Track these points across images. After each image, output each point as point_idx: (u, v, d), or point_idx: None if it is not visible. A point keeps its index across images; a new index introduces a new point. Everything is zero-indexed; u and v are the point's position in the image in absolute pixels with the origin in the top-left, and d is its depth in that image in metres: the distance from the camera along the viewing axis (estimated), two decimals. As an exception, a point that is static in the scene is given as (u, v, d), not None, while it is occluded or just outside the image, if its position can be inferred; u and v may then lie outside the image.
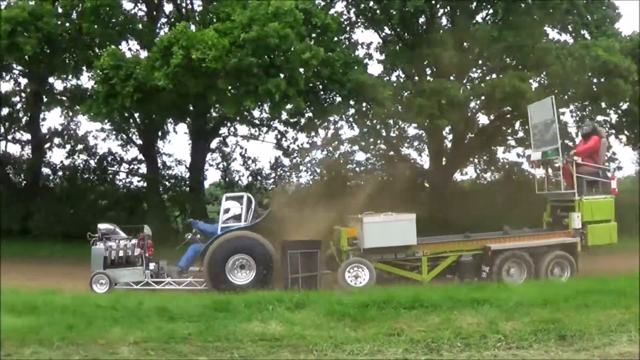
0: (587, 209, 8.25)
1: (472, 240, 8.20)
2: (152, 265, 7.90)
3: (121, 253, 7.82)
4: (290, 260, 7.41)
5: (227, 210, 8.11)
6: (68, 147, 15.37)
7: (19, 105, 15.31)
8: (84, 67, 12.28)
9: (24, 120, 15.40)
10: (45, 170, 15.29)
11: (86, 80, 13.18)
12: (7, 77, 14.19)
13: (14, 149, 15.79)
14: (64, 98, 14.46)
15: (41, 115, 15.21)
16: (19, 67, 13.39)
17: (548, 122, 8.84)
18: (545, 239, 8.38)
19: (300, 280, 7.38)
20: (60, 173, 15.29)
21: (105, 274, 7.52)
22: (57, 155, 18.75)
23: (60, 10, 10.82)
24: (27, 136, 15.52)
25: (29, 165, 14.99)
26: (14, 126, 15.41)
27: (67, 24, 10.97)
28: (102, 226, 8.34)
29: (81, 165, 15.31)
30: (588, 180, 8.49)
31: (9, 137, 15.52)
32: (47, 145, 15.42)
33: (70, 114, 15.26)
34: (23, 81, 14.69)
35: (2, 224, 11.85)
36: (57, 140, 15.49)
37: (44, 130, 15.42)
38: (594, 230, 8.25)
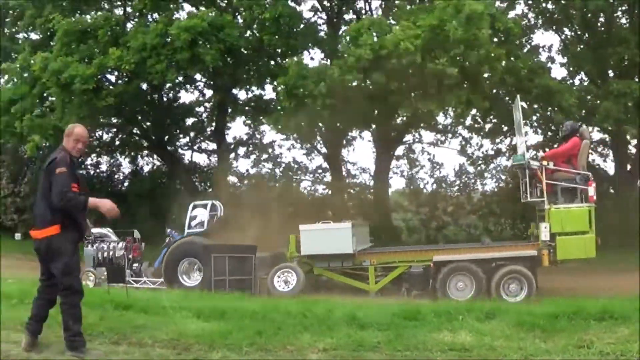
0: (556, 219, 8.68)
1: (419, 251, 8.96)
2: (134, 266, 10.31)
3: (106, 254, 10.26)
4: (214, 264, 8.84)
5: (193, 218, 10.41)
6: (253, 156, 18.83)
7: (204, 116, 19.33)
8: (268, 78, 14.65)
9: (209, 130, 19.26)
10: (231, 179, 18.93)
11: (270, 91, 15.83)
12: (192, 88, 18.11)
13: (200, 158, 20.31)
14: (248, 108, 17.53)
15: (226, 125, 18.73)
16: (204, 79, 16.67)
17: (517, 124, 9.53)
18: (496, 252, 9.05)
19: (227, 282, 8.75)
20: (246, 182, 18.75)
21: (92, 271, 9.93)
22: (242, 164, 23.71)
23: (240, 21, 13.15)
24: (212, 146, 19.45)
25: (215, 174, 18.58)
26: (200, 136, 19.53)
27: (249, 35, 13.24)
28: (95, 230, 10.86)
29: (266, 174, 18.59)
30: (564, 188, 8.90)
31: (195, 147, 19.90)
32: (232, 154, 19.07)
33: (255, 123, 18.42)
34: (208, 92, 18.46)
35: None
36: (242, 150, 19.15)
37: (229, 139, 19.10)
38: (564, 242, 8.61)
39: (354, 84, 11.56)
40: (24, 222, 18.83)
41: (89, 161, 20.36)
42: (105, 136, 19.42)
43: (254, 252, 9.40)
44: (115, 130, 19.15)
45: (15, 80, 16.70)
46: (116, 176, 20.82)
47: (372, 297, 9.14)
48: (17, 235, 18.95)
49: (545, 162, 9.14)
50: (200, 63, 12.93)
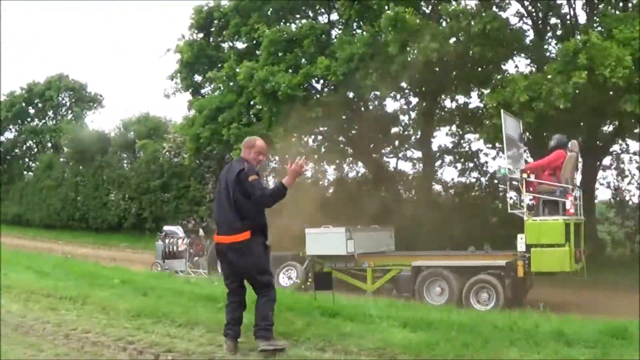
0: (531, 230, 10.39)
1: (407, 256, 10.71)
2: (195, 259, 15.14)
3: (172, 248, 15.62)
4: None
5: None
6: (459, 165, 20.89)
7: (409, 124, 21.89)
8: (474, 86, 16.59)
9: (414, 138, 21.85)
10: (436, 187, 21.48)
11: (475, 99, 17.90)
12: (399, 97, 20.48)
13: (405, 166, 23.07)
14: (454, 116, 19.78)
15: (431, 133, 20.93)
16: (409, 87, 18.78)
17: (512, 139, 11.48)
18: (468, 260, 11.09)
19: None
20: (451, 191, 21.12)
21: (159, 262, 15.38)
22: (447, 173, 25.87)
23: (446, 31, 14.72)
24: (417, 154, 22.06)
25: (420, 182, 21.13)
26: (405, 144, 22.20)
27: (456, 45, 14.90)
28: (166, 227, 16.94)
29: (472, 183, 20.79)
30: (546, 200, 10.61)
31: (400, 155, 22.55)
32: (438, 162, 21.31)
33: (460, 132, 20.48)
34: (413, 100, 20.81)
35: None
36: (447, 158, 21.22)
37: (434, 147, 21.33)
38: (538, 254, 10.25)
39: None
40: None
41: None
42: (310, 143, 22.69)
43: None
44: (321, 137, 22.16)
45: (222, 88, 20.50)
46: (320, 182, 24.11)
47: (368, 295, 11.45)
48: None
49: (525, 175, 10.87)
50: (407, 72, 15.07)
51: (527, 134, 15.28)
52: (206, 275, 13.80)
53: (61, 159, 34.27)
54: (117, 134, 31.86)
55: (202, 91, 23.94)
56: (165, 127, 29.96)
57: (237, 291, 5.81)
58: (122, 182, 29.02)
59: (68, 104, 39.90)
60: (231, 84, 19.65)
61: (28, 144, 40.03)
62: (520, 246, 10.64)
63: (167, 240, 15.91)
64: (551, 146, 11.41)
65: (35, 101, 39.05)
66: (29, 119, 39.49)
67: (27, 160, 40.21)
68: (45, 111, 39.11)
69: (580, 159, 12.85)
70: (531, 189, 10.96)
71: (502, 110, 11.97)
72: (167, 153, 27.20)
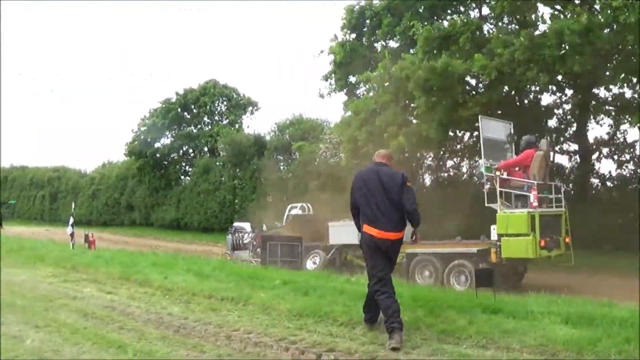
0: (501, 222, 13.13)
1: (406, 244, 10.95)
2: (257, 250, 18.10)
3: (239, 241, 19.89)
4: (269, 249, 16.48)
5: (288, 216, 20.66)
6: (616, 157, 22.20)
7: (565, 116, 23.49)
8: (630, 76, 17.66)
9: (570, 131, 23.39)
10: (594, 180, 22.93)
11: (630, 90, 19.22)
12: (555, 89, 22.09)
13: (562, 160, 24.30)
14: (610, 108, 20.98)
15: (587, 126, 22.58)
16: (565, 79, 20.34)
17: (498, 141, 14.78)
18: (449, 248, 14.20)
19: (278, 262, 15.88)
20: (609, 183, 22.48)
21: (228, 253, 19.75)
22: (605, 165, 27.16)
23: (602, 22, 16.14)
24: (574, 147, 23.50)
25: (577, 175, 22.66)
26: (561, 137, 23.65)
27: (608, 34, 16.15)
28: (236, 223, 22.27)
29: (630, 175, 21.89)
30: (516, 194, 13.51)
31: (557, 148, 23.76)
32: (595, 155, 22.74)
33: (616, 123, 21.83)
34: (568, 92, 22.39)
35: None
36: (605, 150, 22.66)
37: (591, 140, 22.92)
38: (507, 243, 13.00)
39: None
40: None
41: (449, 163, 26.71)
42: (466, 139, 24.75)
43: (300, 241, 16.86)
44: (476, 133, 23.02)
45: (377, 88, 21.67)
46: (475, 179, 25.87)
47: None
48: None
49: (498, 173, 13.67)
50: (568, 68, 16.47)
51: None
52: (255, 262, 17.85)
53: (217, 163, 37.12)
54: (272, 137, 34.43)
55: (357, 92, 25.13)
56: (321, 128, 32.75)
57: (391, 281, 6.88)
58: (280, 184, 32.08)
59: (223, 109, 44.64)
60: (386, 84, 20.64)
61: (184, 149, 45.33)
62: (493, 236, 13.38)
63: (235, 234, 20.44)
64: (521, 146, 14.15)
65: (191, 107, 44.42)
66: (184, 125, 44.94)
67: (183, 165, 45.70)
68: (201, 117, 44.22)
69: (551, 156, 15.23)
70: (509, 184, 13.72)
71: (479, 116, 15.06)
72: (324, 154, 29.50)
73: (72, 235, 18.67)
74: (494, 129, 15.04)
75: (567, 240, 13.81)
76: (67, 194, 52.34)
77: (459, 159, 26.49)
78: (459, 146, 25.47)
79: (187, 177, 43.98)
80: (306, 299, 8.64)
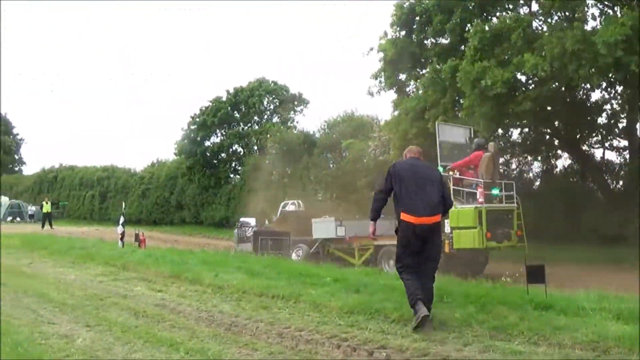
0: (453, 216, 15.02)
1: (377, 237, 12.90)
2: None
3: (244, 235, 22.03)
4: (260, 242, 19.63)
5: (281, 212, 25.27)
6: None
7: (614, 113, 23.78)
8: None
9: (619, 126, 23.80)
10: None
11: None
12: (605, 86, 22.24)
13: (611, 156, 25.03)
14: None
15: (637, 121, 22.73)
16: (614, 76, 20.11)
17: (457, 145, 17.27)
18: None
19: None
20: None
21: (235, 246, 22.22)
22: None
23: None
24: (623, 142, 24.01)
25: (627, 172, 22.89)
26: (610, 133, 24.20)
27: None
28: (242, 219, 25.50)
29: None
30: (467, 192, 15.51)
31: (607, 145, 24.49)
32: None
33: None
34: (618, 88, 22.50)
35: (601, 230, 20.22)
36: None
37: None
38: (458, 235, 15.04)
39: None
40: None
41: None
42: (515, 136, 25.42)
43: (288, 236, 20.26)
44: (527, 130, 24.51)
45: (426, 86, 21.58)
46: (525, 175, 26.60)
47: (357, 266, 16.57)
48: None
49: (451, 172, 15.70)
50: (624, 69, 16.71)
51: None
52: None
53: (267, 161, 37.48)
54: (322, 134, 34.40)
55: (407, 89, 25.11)
56: (371, 125, 32.34)
57: (421, 266, 7.51)
58: (329, 182, 32.95)
59: (272, 107, 45.60)
60: (436, 82, 20.60)
61: (234, 148, 46.45)
62: (447, 228, 15.10)
63: (241, 229, 22.83)
64: (472, 148, 16.05)
65: (240, 106, 45.67)
66: (234, 124, 46.15)
67: (233, 163, 46.51)
68: (251, 115, 45.47)
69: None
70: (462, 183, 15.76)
71: (437, 123, 18.06)
72: (373, 151, 29.90)
73: (122, 234, 19.29)
74: (452, 133, 17.72)
75: (518, 233, 15.67)
76: (117, 193, 53.55)
77: (508, 155, 26.77)
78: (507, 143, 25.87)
79: (237, 176, 44.81)
80: (357, 296, 8.76)
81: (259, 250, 19.16)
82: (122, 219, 19.85)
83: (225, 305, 9.21)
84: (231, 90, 45.61)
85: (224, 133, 45.42)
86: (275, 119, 44.73)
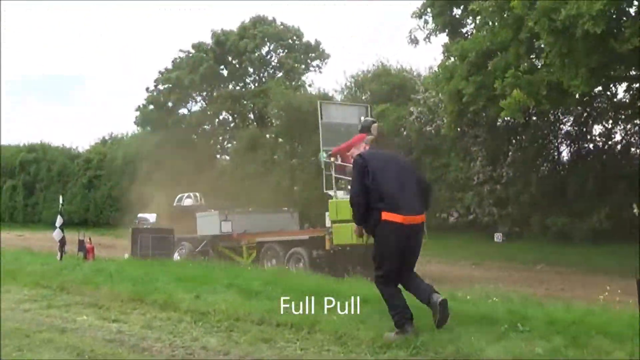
0: (332, 209, 17.30)
1: (259, 234, 20.28)
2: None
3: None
4: (140, 242, 21.37)
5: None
6: None
7: None
8: None
9: None
10: None
11: None
12: None
13: None
14: None
15: None
16: None
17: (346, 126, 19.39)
18: (287, 236, 20.53)
19: (150, 254, 20.44)
20: None
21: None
22: None
23: None
24: None
25: None
26: None
27: None
28: (140, 214, 31.06)
29: None
30: (348, 180, 16.64)
31: None
32: None
33: None
34: None
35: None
36: None
37: None
38: (337, 229, 17.12)
39: None
40: (507, 217, 27.55)
41: (596, 131, 27.44)
42: (620, 95, 25.21)
43: (172, 233, 22.36)
44: (637, 86, 22.49)
45: (491, 24, 21.27)
46: (633, 149, 26.82)
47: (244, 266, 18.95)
48: (497, 236, 27.66)
49: (332, 159, 17.66)
50: None
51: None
52: None
53: (268, 136, 38.22)
54: (345, 97, 34.02)
55: (464, 30, 24.88)
56: (412, 84, 31.77)
57: (395, 279, 8.41)
58: None
59: (276, 59, 45.77)
60: (505, 15, 20.28)
61: (221, 117, 47.26)
62: (327, 222, 17.87)
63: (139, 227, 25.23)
64: (359, 129, 17.32)
65: (229, 57, 45.70)
66: (222, 84, 46.41)
67: (220, 139, 47.16)
68: (244, 70, 45.81)
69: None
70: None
71: (318, 101, 20.93)
72: (416, 121, 28.96)
73: (61, 241, 18.54)
74: (341, 113, 20.54)
75: None
76: (50, 183, 52.81)
77: (611, 123, 26.57)
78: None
79: (226, 157, 44.65)
80: (392, 323, 8.34)
81: (139, 251, 21.20)
82: (59, 220, 19.08)
83: (211, 338, 8.93)
84: (219, 32, 45.02)
85: (206, 96, 45.05)
86: (280, 76, 43.90)
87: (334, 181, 17.80)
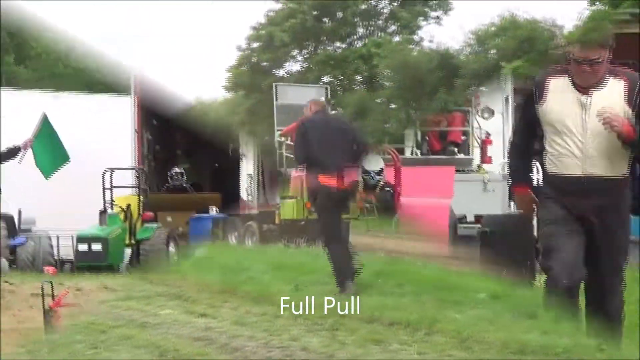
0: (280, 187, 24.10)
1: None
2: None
3: None
4: None
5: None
6: None
7: None
8: None
9: None
10: None
11: None
12: None
13: None
14: None
15: None
16: None
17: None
18: (242, 210, 25.92)
19: None
20: None
21: None
22: None
23: None
24: None
25: None
26: None
27: None
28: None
29: None
30: None
31: None
32: None
33: None
34: None
35: None
36: None
37: None
38: (283, 205, 22.07)
39: None
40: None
41: None
42: None
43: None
44: None
45: None
46: None
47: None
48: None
49: (282, 139, 22.48)
50: None
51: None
52: None
53: (379, 100, 37.77)
54: (469, 55, 33.83)
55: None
56: (551, 36, 30.89)
57: (341, 237, 11.19)
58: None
59: (386, 10, 44.84)
60: None
61: (324, 80, 46.06)
62: (277, 199, 22.77)
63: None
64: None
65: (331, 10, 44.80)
66: (322, 42, 46.58)
67: None
68: (349, 25, 45.96)
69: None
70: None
71: (274, 84, 25.47)
72: None
73: None
74: (297, 94, 24.50)
75: (360, 204, 18.18)
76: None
77: None
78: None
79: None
80: (533, 324, 8.23)
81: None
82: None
83: (313, 337, 8.60)
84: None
85: (306, 56, 45.22)
86: (392, 30, 43.85)
87: (284, 160, 22.34)
